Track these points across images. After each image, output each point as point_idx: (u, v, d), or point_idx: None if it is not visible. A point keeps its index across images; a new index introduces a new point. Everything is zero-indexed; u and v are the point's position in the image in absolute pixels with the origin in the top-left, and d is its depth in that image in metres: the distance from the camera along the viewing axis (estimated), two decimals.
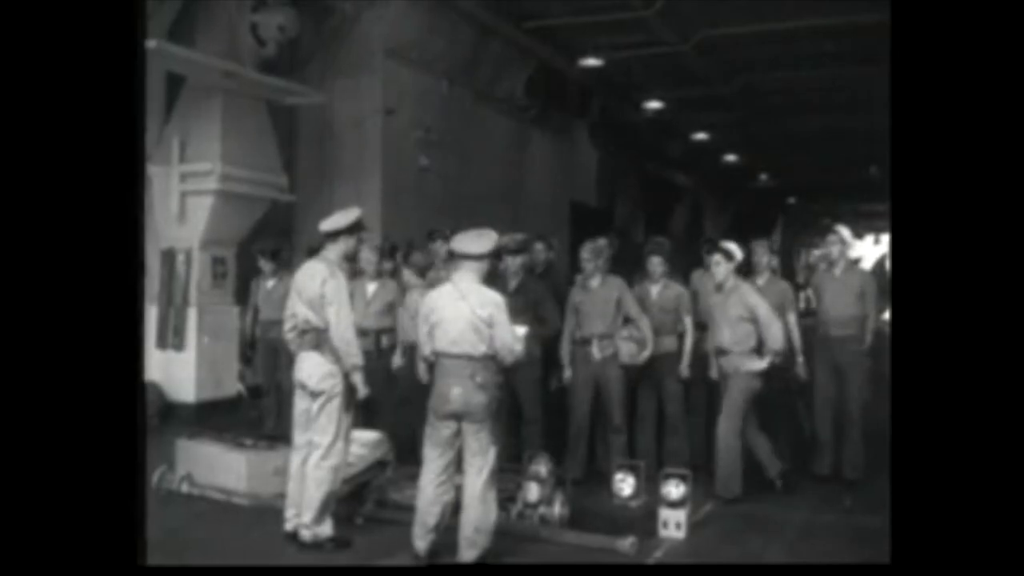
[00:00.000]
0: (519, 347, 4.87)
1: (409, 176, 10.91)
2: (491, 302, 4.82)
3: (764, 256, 7.17)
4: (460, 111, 11.95)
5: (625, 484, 5.88)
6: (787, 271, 13.01)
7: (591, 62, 13.20)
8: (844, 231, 7.04)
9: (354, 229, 5.35)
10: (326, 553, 5.12)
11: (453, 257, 5.00)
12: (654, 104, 15.96)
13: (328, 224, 5.30)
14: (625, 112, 16.47)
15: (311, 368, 5.22)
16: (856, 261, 7.26)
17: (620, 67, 13.71)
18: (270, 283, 7.93)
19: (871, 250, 37.53)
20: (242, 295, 9.22)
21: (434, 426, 4.88)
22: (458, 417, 4.79)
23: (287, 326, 5.39)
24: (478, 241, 4.90)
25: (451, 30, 11.21)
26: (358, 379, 5.22)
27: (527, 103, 13.55)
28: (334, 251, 5.27)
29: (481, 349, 4.76)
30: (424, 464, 4.95)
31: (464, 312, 4.76)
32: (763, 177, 25.66)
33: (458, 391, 4.74)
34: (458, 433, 4.84)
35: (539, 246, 7.73)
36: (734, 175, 24.25)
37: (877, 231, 37.41)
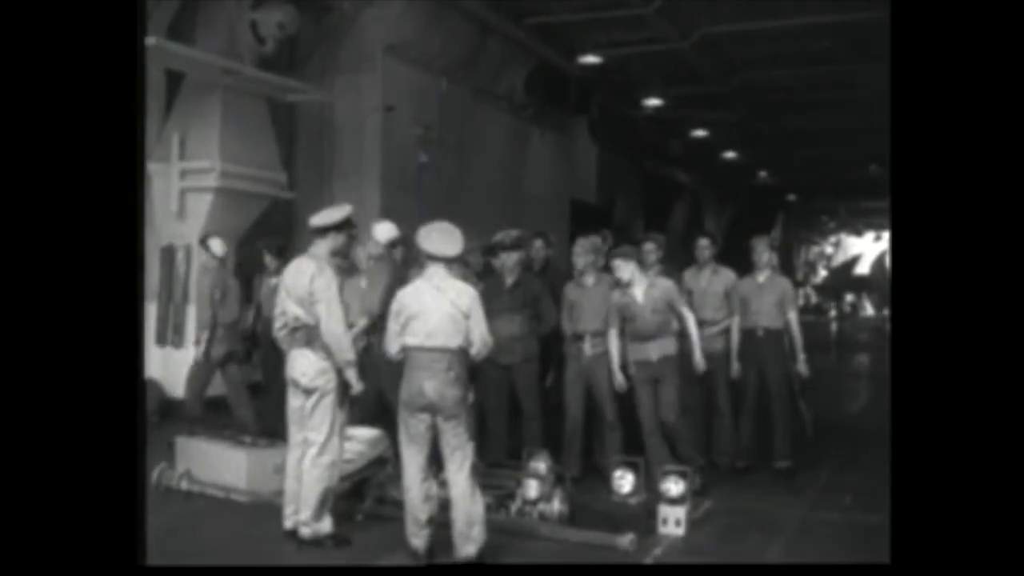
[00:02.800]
0: (491, 339, 4.92)
1: (408, 173, 10.91)
2: (468, 294, 4.87)
3: (764, 253, 7.17)
4: (460, 108, 11.95)
5: (624, 481, 5.89)
6: (787, 268, 13.03)
7: (590, 59, 13.20)
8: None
9: (344, 226, 5.35)
10: (326, 550, 5.12)
11: (432, 258, 4.98)
12: (653, 101, 15.98)
13: (318, 220, 5.29)
14: (624, 109, 16.48)
15: (304, 365, 5.22)
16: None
17: (619, 64, 13.71)
18: (273, 280, 7.92)
19: (871, 247, 37.56)
20: (242, 292, 9.24)
21: (407, 422, 4.88)
22: (432, 411, 4.80)
23: (277, 324, 5.38)
24: (450, 242, 4.90)
25: (450, 28, 11.20)
26: (351, 375, 5.22)
27: (526, 100, 13.54)
28: (323, 247, 5.26)
29: (457, 341, 4.78)
30: (404, 463, 4.95)
31: (443, 304, 4.78)
32: (763, 174, 25.69)
33: (432, 384, 4.75)
34: (432, 427, 4.84)
35: (538, 243, 7.73)
36: (734, 172, 24.26)
37: (877, 228, 37.41)
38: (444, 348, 4.78)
